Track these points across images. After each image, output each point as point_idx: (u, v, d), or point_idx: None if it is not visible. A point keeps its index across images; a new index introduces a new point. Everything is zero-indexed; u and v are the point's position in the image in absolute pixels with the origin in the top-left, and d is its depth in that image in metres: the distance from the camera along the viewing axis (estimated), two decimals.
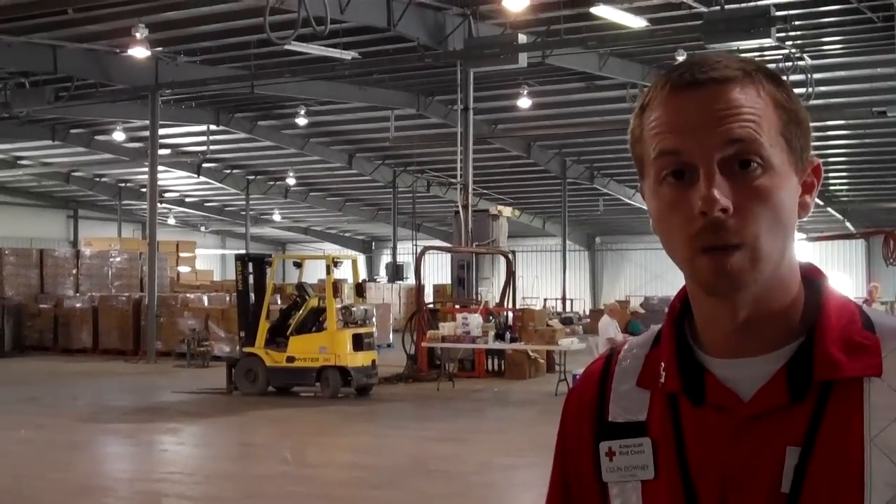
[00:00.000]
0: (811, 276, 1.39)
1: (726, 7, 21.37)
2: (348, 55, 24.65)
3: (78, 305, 30.97)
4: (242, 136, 38.15)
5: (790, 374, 1.31)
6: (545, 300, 47.59)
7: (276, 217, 59.30)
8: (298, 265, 22.33)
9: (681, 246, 1.31)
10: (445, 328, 22.03)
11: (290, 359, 19.19)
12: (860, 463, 1.26)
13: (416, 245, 35.49)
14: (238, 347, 20.58)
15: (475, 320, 21.67)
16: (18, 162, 45.03)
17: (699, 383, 1.36)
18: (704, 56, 1.34)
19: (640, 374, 1.45)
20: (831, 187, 43.75)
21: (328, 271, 19.83)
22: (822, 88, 27.67)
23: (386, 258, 57.12)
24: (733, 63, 1.32)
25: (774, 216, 1.29)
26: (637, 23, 23.11)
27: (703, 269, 1.29)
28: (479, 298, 25.19)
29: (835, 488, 1.26)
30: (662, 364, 1.41)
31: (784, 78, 1.37)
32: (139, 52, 24.74)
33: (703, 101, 1.30)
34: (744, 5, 21.39)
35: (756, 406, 1.31)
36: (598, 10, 22.48)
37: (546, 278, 54.83)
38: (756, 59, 1.40)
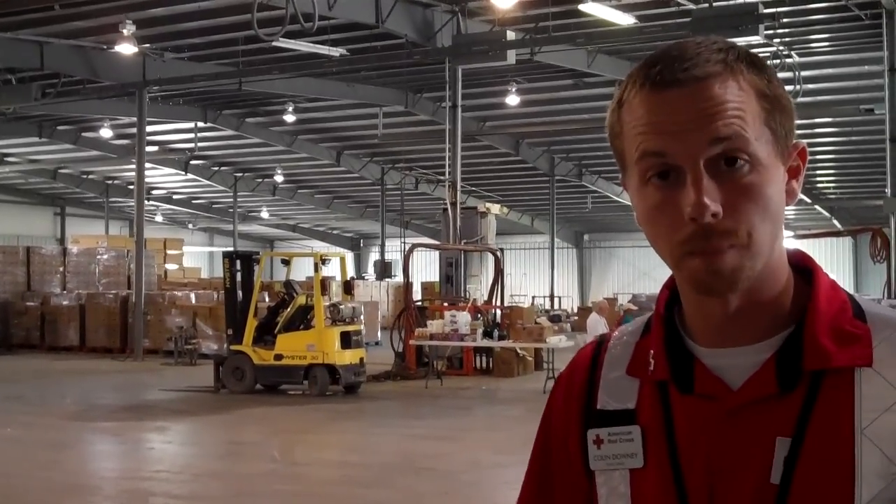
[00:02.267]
0: (802, 265, 1.38)
1: (714, 4, 21.42)
2: (336, 52, 24.61)
3: (65, 303, 30.86)
4: (230, 133, 38.07)
5: (779, 363, 1.30)
6: (533, 298, 47.59)
7: (264, 214, 59.22)
8: (286, 263, 22.30)
9: (669, 248, 1.29)
10: (434, 326, 22.01)
11: (278, 357, 19.16)
12: (851, 454, 1.25)
13: (404, 242, 35.53)
14: (226, 345, 20.54)
15: (463, 318, 21.66)
16: (5, 159, 44.86)
17: (688, 372, 1.35)
18: (682, 47, 1.30)
19: (630, 362, 1.43)
20: (818, 185, 43.85)
21: (316, 269, 19.80)
22: (810, 86, 27.74)
23: (374, 256, 57.08)
24: (713, 55, 1.29)
25: (764, 211, 1.27)
26: (625, 20, 23.13)
27: (696, 269, 1.28)
28: (468, 296, 25.20)
29: (825, 480, 1.25)
30: (652, 352, 1.40)
31: (763, 60, 1.35)
32: (126, 49, 24.65)
33: (685, 101, 1.27)
34: (732, 2, 21.45)
35: (744, 395, 1.30)
36: (587, 7, 22.48)
37: (534, 276, 54.85)
38: (735, 43, 1.36)
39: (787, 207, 1.34)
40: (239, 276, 20.13)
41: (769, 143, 1.29)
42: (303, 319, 19.62)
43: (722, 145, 1.26)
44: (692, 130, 1.26)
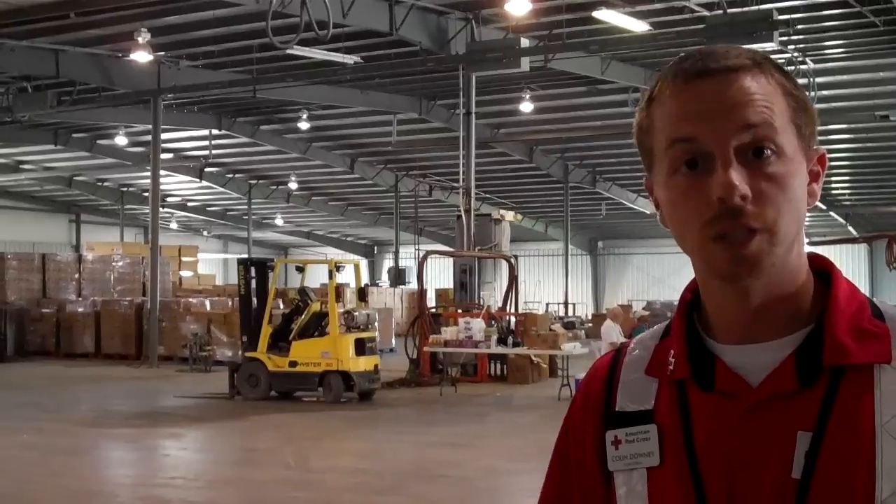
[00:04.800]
0: (821, 266, 1.40)
1: (729, 11, 21.37)
2: (350, 59, 24.64)
3: (80, 310, 30.95)
4: (244, 140, 38.15)
5: (799, 359, 1.31)
6: (547, 304, 47.59)
7: (279, 221, 59.33)
8: (301, 270, 22.34)
9: (694, 233, 1.31)
10: (448, 333, 22.00)
11: (293, 363, 19.18)
12: (871, 449, 1.26)
13: (418, 249, 35.46)
14: (240, 352, 20.59)
15: (478, 325, 21.64)
16: (21, 166, 45.07)
17: (709, 370, 1.36)
18: (712, 47, 1.35)
19: (649, 363, 1.45)
20: (834, 191, 43.71)
21: (330, 276, 19.82)
22: (825, 92, 27.66)
23: (388, 262, 57.14)
24: (742, 53, 1.34)
25: (789, 201, 1.30)
26: (639, 27, 23.10)
27: (719, 256, 1.29)
28: (482, 303, 25.17)
29: (846, 474, 1.26)
30: (672, 352, 1.41)
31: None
32: (141, 57, 24.75)
33: (717, 89, 1.30)
34: (747, 9, 21.39)
35: (764, 391, 1.32)
36: (601, 15, 22.46)
37: (548, 283, 54.79)
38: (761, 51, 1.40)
39: (812, 206, 1.37)
40: (254, 283, 20.17)
41: (794, 139, 1.32)
42: (317, 326, 19.64)
43: (752, 132, 1.29)
44: (722, 117, 1.29)
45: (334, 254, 58.95)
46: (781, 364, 1.32)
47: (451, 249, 30.66)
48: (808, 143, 1.35)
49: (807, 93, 1.38)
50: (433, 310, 26.75)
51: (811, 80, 24.97)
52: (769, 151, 1.29)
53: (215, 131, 36.39)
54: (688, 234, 1.32)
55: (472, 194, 26.06)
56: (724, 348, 1.37)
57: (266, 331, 19.48)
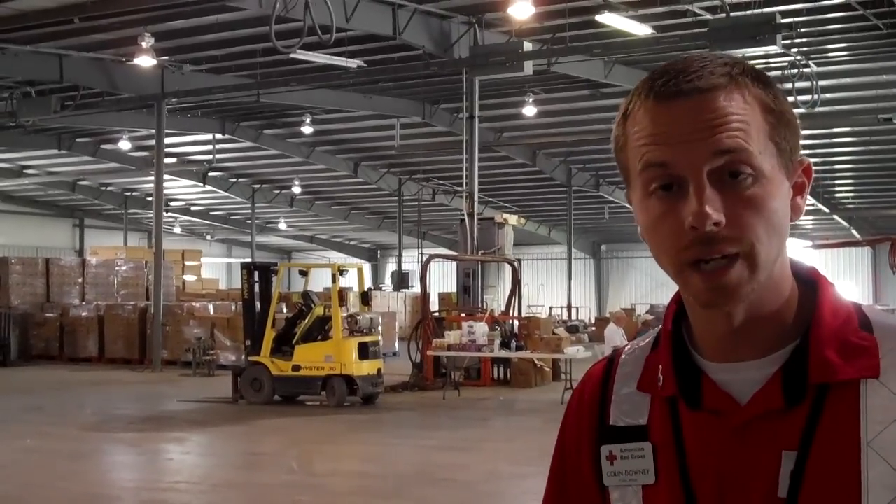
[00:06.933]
0: (806, 276, 1.38)
1: (732, 14, 21.38)
2: (354, 63, 24.67)
3: (84, 314, 30.98)
4: (248, 144, 38.19)
5: (785, 377, 1.30)
6: (551, 308, 47.55)
7: (282, 225, 59.35)
8: (304, 274, 22.36)
9: (670, 259, 1.30)
10: (451, 336, 22.01)
11: (296, 367, 19.18)
12: (857, 466, 1.24)
13: (421, 253, 35.39)
14: (244, 356, 20.58)
15: (481, 328, 21.65)
16: (25, 171, 45.10)
17: (696, 387, 1.35)
18: (687, 61, 1.31)
19: (640, 378, 1.44)
20: (837, 194, 43.66)
21: (334, 280, 19.83)
22: (828, 95, 27.64)
23: (391, 266, 57.08)
24: (718, 68, 1.29)
25: (768, 223, 1.27)
26: (642, 30, 23.10)
27: (697, 284, 1.28)
28: (485, 306, 25.17)
29: (832, 493, 1.25)
30: (661, 367, 1.40)
31: (769, 76, 1.34)
32: (145, 61, 24.77)
33: (689, 112, 1.27)
34: (749, 13, 21.40)
35: (751, 410, 1.30)
36: (604, 18, 22.47)
37: (551, 286, 54.80)
38: (740, 58, 1.37)
39: (797, 221, 1.34)
40: (257, 287, 20.16)
41: (773, 157, 1.29)
42: (320, 330, 19.64)
43: (725, 157, 1.25)
44: (695, 141, 1.26)
45: (337, 258, 58.98)
46: (767, 383, 1.30)
47: (455, 253, 30.68)
48: (790, 156, 1.32)
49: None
50: (436, 313, 26.75)
51: (814, 83, 24.93)
52: (745, 174, 1.26)
53: (219, 135, 36.43)
54: (664, 257, 1.31)
55: (476, 198, 26.07)
56: (711, 365, 1.35)
57: (269, 335, 19.48)
